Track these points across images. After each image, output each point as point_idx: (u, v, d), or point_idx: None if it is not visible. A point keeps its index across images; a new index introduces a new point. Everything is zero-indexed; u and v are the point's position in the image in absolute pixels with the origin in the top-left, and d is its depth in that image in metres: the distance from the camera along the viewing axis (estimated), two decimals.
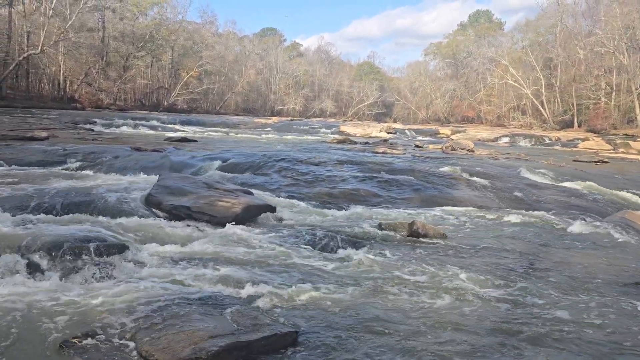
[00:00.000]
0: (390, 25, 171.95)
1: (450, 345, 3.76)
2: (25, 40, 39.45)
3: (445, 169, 12.69)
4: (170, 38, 57.50)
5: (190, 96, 58.48)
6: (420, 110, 76.49)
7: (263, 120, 38.96)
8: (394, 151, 16.54)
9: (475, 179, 11.67)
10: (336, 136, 25.30)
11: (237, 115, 56.92)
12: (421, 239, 6.94)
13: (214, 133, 25.94)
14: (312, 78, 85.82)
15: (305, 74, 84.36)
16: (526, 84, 52.72)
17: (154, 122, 27.38)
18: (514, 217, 8.68)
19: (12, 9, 40.17)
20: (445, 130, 35.91)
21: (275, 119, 43.43)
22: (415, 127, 42.02)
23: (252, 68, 71.87)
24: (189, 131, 25.14)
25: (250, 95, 74.10)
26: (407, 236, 7.04)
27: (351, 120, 68.67)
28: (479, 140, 31.12)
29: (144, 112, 42.30)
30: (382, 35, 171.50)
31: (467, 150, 19.27)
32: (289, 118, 53.65)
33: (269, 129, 31.30)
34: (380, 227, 7.35)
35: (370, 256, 6.03)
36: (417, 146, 21.54)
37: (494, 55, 58.25)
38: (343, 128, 32.20)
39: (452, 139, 27.67)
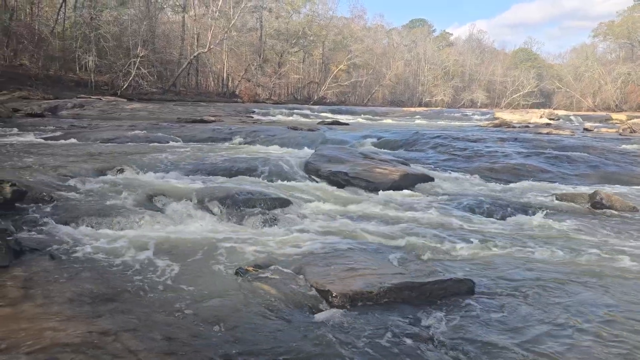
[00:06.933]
0: (555, 7, 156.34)
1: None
2: (195, 41, 43.63)
3: (628, 146, 11.11)
4: (321, 33, 59.30)
5: (339, 89, 59.78)
6: (585, 98, 69.06)
7: (412, 109, 38.29)
8: (560, 132, 15.00)
9: None
10: (492, 121, 23.83)
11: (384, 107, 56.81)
12: (606, 211, 6.07)
13: (364, 120, 26.10)
14: (462, 68, 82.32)
15: (455, 64, 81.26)
16: None
17: (306, 112, 28.41)
18: None
19: (185, 14, 44.75)
20: (619, 116, 31.83)
21: (424, 108, 42.47)
22: (581, 114, 37.96)
23: (399, 60, 71.17)
24: (340, 118, 25.61)
25: (398, 88, 73.46)
26: (588, 207, 6.21)
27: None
28: None
29: (297, 104, 44.24)
30: (544, 20, 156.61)
31: None
32: (438, 108, 52.11)
33: (418, 116, 30.63)
34: (555, 197, 6.59)
35: (545, 222, 5.41)
36: (586, 129, 19.35)
37: None
38: (498, 114, 30.24)
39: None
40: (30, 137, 10.47)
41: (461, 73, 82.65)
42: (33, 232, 4.02)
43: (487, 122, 23.08)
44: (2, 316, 2.64)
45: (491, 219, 5.63)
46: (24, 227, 4.07)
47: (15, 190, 4.43)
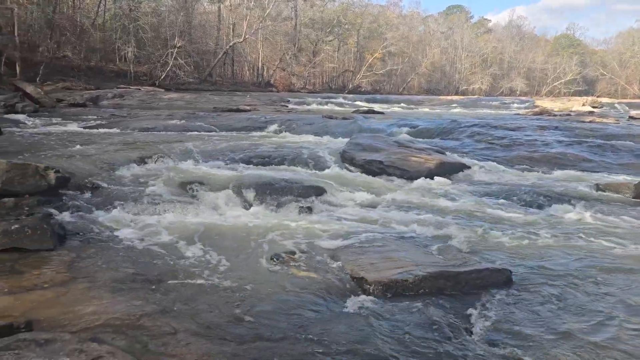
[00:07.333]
0: None
1: None
2: (231, 31, 43.96)
3: None
4: (356, 22, 58.88)
5: (374, 78, 59.25)
6: (631, 85, 66.45)
7: (449, 97, 37.66)
8: (603, 120, 14.48)
9: None
10: (531, 109, 23.19)
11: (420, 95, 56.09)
12: None
13: (399, 108, 25.83)
14: (501, 55, 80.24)
15: (493, 52, 79.28)
16: None
17: (341, 100, 28.33)
18: None
19: (221, 4, 45.15)
20: None
21: (461, 96, 41.70)
22: (626, 101, 36.50)
23: (436, 48, 69.98)
24: (375, 107, 25.41)
25: (434, 76, 72.27)
26: (633, 198, 5.99)
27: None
28: None
29: (331, 93, 44.10)
30: (587, 4, 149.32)
31: None
32: (476, 96, 51.09)
33: (455, 105, 30.08)
34: (597, 188, 6.38)
35: (586, 213, 5.25)
36: (631, 117, 18.61)
37: None
38: (538, 102, 29.39)
39: None
40: (73, 126, 10.80)
41: (500, 60, 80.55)
42: (76, 217, 4.16)
43: (526, 110, 22.47)
44: (49, 297, 2.75)
45: (530, 208, 5.50)
46: (68, 213, 4.22)
47: (59, 177, 4.58)
